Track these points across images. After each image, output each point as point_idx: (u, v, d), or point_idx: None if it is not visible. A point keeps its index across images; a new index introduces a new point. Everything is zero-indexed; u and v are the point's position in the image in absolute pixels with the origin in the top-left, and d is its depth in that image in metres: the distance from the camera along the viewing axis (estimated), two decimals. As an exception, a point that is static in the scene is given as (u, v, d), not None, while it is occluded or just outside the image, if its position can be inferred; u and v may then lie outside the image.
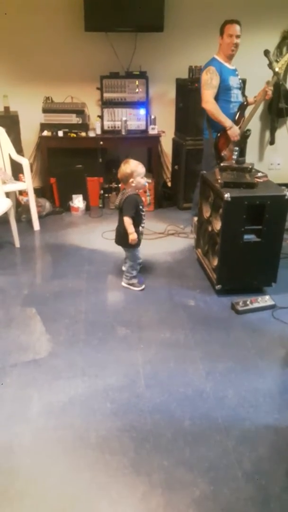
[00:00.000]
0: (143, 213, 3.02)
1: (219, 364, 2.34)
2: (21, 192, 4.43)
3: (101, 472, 1.72)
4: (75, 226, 4.32)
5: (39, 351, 2.43)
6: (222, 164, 3.17)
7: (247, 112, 3.72)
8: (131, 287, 3.11)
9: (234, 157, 3.77)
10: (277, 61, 3.53)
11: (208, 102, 3.59)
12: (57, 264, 3.51)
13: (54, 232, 4.13)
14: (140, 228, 3.02)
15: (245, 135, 3.76)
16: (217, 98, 3.62)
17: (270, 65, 3.44)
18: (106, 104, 4.51)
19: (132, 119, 4.57)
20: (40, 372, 2.27)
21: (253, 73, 4.15)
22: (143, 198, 3.06)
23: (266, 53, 3.45)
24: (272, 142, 5.19)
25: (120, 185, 4.74)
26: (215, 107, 3.58)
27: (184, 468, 1.74)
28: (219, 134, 3.66)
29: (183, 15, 4.55)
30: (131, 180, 2.90)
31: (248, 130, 3.74)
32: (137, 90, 4.53)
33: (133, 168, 2.88)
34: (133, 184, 2.92)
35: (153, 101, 4.79)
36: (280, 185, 2.97)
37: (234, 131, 3.59)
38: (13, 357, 2.37)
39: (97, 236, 4.03)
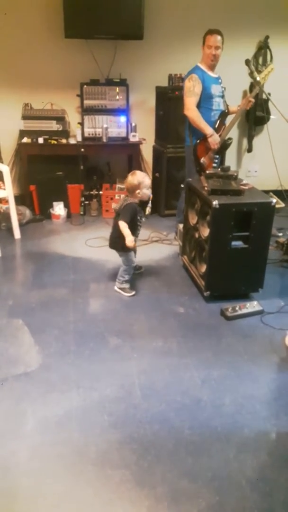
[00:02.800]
0: (139, 224, 3.07)
1: (214, 372, 2.34)
2: (0, 200, 4.33)
3: (103, 487, 1.68)
4: (57, 234, 4.26)
5: (29, 364, 2.36)
6: (207, 172, 3.19)
7: (228, 120, 3.77)
8: (122, 292, 3.10)
9: (214, 165, 3.82)
10: (259, 71, 3.59)
11: (190, 109, 3.62)
12: (41, 273, 3.43)
13: (36, 240, 4.06)
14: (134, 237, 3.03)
15: (226, 144, 3.80)
16: (199, 105, 3.65)
17: (251, 74, 3.51)
18: (86, 111, 4.49)
19: (112, 126, 4.56)
20: (32, 385, 2.20)
21: (231, 81, 4.22)
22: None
23: (247, 62, 3.52)
24: (249, 149, 5.28)
25: (100, 192, 4.72)
26: (196, 114, 3.61)
27: (187, 479, 1.71)
28: (198, 141, 3.69)
29: (162, 23, 4.59)
30: (137, 191, 2.97)
31: (230, 138, 3.79)
32: (117, 97, 4.53)
33: (140, 180, 2.96)
34: (139, 195, 2.99)
35: (133, 108, 4.80)
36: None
37: (214, 139, 3.63)
38: (3, 371, 2.29)
39: (80, 244, 3.98)
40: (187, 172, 3.87)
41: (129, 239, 2.91)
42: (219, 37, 3.53)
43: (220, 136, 3.69)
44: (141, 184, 2.96)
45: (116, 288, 3.14)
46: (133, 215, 2.96)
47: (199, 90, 3.60)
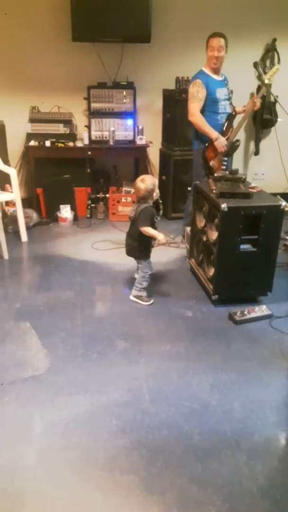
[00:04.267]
0: (156, 226, 3.04)
1: (223, 376, 2.31)
2: (7, 203, 4.34)
3: (112, 493, 1.66)
4: (63, 236, 4.25)
5: (37, 367, 2.35)
6: (215, 175, 3.17)
7: (236, 122, 3.76)
8: (139, 301, 3.02)
9: (223, 167, 3.80)
10: (265, 73, 3.58)
11: (194, 115, 3.62)
12: (48, 276, 3.43)
13: (43, 243, 4.05)
14: (152, 240, 3.03)
15: (234, 145, 3.79)
16: (205, 110, 3.65)
17: (259, 77, 3.50)
18: (93, 114, 4.49)
19: (119, 129, 4.56)
20: (40, 389, 2.19)
21: (238, 84, 4.20)
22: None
23: (256, 65, 3.50)
24: (256, 152, 5.26)
25: (107, 195, 4.72)
26: (200, 119, 3.61)
27: (197, 486, 1.69)
28: (207, 144, 3.68)
29: (169, 26, 4.59)
30: (154, 194, 2.95)
31: (238, 140, 3.78)
32: (124, 100, 4.53)
33: (153, 182, 2.95)
34: (155, 197, 2.97)
35: (140, 111, 4.80)
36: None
37: (220, 142, 3.62)
38: (11, 374, 2.28)
39: (87, 247, 3.97)
40: (194, 176, 3.85)
41: (160, 237, 2.93)
42: (221, 40, 3.51)
43: (228, 138, 3.68)
44: (155, 186, 2.94)
45: (132, 297, 3.05)
46: (152, 219, 2.95)
47: (203, 96, 3.60)
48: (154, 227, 3.00)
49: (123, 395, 2.16)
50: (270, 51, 4.82)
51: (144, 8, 4.25)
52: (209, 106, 3.65)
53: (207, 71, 3.64)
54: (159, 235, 2.93)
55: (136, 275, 3.13)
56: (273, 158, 4.95)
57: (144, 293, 3.05)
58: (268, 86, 3.49)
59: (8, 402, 2.09)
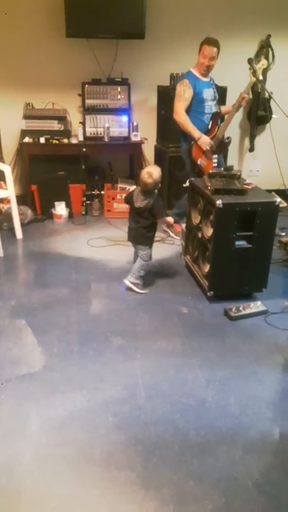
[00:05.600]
0: None
1: (218, 372, 2.32)
2: (2, 200, 4.32)
3: (109, 489, 1.66)
4: (58, 233, 4.24)
5: (33, 364, 2.34)
6: (210, 171, 3.17)
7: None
8: (134, 288, 3.06)
9: (214, 165, 3.81)
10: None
11: (179, 114, 3.67)
12: (43, 273, 3.42)
13: (38, 240, 4.04)
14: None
15: (223, 143, 3.78)
16: (191, 109, 3.69)
17: (254, 73, 3.49)
18: (88, 110, 4.46)
19: (114, 126, 4.54)
20: (36, 386, 2.18)
21: (233, 80, 4.19)
22: None
23: (250, 61, 3.49)
24: (251, 149, 5.26)
25: (102, 192, 4.71)
26: (184, 118, 3.65)
27: (193, 481, 1.70)
28: (192, 143, 3.70)
29: (164, 22, 4.57)
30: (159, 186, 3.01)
31: (228, 137, 3.78)
32: (119, 96, 4.51)
33: (160, 175, 2.98)
34: (159, 185, 3.03)
35: (134, 108, 4.78)
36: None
37: (203, 141, 3.64)
38: (6, 372, 2.28)
39: (82, 244, 3.97)
40: (188, 173, 3.86)
41: (170, 219, 3.37)
42: (215, 49, 3.56)
43: (215, 136, 3.69)
44: (160, 178, 2.97)
45: (127, 282, 3.06)
46: (165, 206, 3.08)
47: (189, 95, 3.63)
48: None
49: (119, 391, 2.16)
50: (265, 48, 4.81)
51: (139, 4, 4.22)
52: (196, 106, 3.69)
53: (195, 73, 3.68)
54: (169, 219, 3.33)
55: (134, 264, 3.14)
56: (268, 155, 4.95)
57: (140, 282, 3.08)
58: (262, 82, 3.48)
59: (4, 400, 2.09)
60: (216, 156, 3.81)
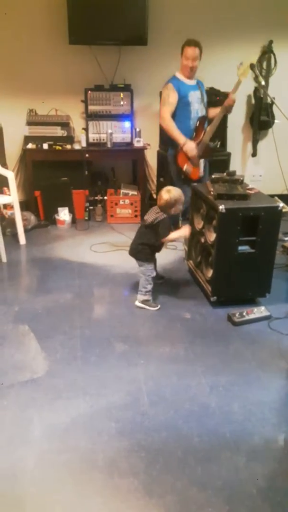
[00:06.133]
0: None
1: (222, 378, 2.31)
2: (5, 206, 4.34)
3: (112, 496, 1.65)
4: (62, 239, 4.25)
5: (36, 370, 2.34)
6: (213, 176, 3.17)
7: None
8: (146, 307, 2.96)
9: (201, 169, 3.80)
10: (262, 75, 3.59)
11: (163, 118, 3.68)
12: (46, 279, 3.42)
13: (41, 246, 4.05)
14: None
15: (209, 148, 3.76)
16: (177, 114, 3.68)
17: (256, 79, 3.50)
18: (91, 116, 4.49)
19: (117, 132, 4.56)
20: (39, 392, 2.18)
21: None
22: None
23: (252, 67, 3.51)
24: (254, 154, 5.27)
25: (105, 198, 4.72)
26: (169, 124, 3.65)
27: (197, 488, 1.69)
28: (178, 149, 3.70)
29: (166, 29, 4.60)
30: (173, 209, 2.89)
31: (215, 142, 3.76)
32: (121, 102, 4.53)
33: (177, 199, 2.87)
34: (172, 213, 2.92)
35: (137, 113, 4.80)
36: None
37: (188, 147, 3.63)
38: (9, 377, 2.28)
39: (85, 249, 3.97)
40: (175, 181, 3.81)
41: (183, 232, 3.03)
42: (196, 49, 3.57)
43: (201, 140, 3.68)
44: (177, 203, 2.87)
45: (138, 303, 2.98)
46: (170, 227, 2.93)
47: (174, 100, 3.64)
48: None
49: (122, 397, 2.15)
50: (267, 53, 4.82)
51: (141, 11, 4.26)
52: (182, 110, 3.69)
53: (180, 77, 3.69)
54: (181, 232, 3.04)
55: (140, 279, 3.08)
56: (271, 160, 4.95)
57: (150, 297, 2.98)
58: (264, 87, 3.49)
59: (7, 406, 2.09)
60: (202, 160, 3.80)
